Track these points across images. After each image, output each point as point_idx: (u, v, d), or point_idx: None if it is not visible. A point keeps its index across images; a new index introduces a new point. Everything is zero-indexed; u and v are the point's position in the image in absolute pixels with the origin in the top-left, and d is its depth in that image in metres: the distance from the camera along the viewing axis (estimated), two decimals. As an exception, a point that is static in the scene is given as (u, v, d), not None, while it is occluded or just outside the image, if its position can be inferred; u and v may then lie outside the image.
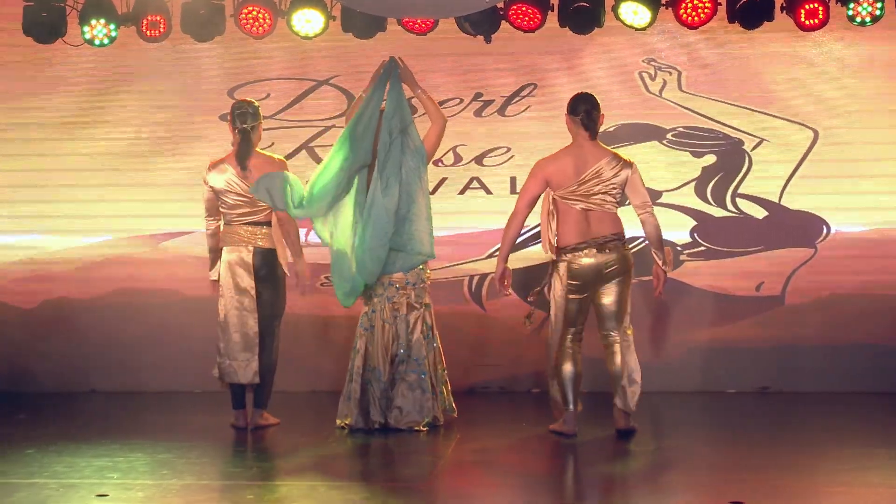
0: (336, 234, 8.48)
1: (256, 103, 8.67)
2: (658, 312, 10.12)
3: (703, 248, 10.21)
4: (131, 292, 10.25)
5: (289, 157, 10.44)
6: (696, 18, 9.74)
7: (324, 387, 9.75)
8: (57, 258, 10.60)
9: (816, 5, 9.65)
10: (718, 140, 10.26)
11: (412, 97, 8.68)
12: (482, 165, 10.42)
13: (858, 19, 9.71)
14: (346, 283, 8.43)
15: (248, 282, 8.48)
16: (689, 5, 9.69)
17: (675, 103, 10.29)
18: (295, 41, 10.08)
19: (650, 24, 9.81)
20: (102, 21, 9.95)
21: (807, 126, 10.22)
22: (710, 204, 10.25)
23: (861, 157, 10.21)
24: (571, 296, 8.18)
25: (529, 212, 8.36)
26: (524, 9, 9.78)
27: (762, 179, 10.27)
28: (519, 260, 9.89)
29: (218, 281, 8.61)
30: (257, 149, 8.64)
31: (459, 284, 10.32)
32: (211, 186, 8.59)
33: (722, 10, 9.77)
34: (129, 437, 8.37)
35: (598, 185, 8.15)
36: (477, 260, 10.40)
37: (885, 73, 10.22)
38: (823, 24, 9.74)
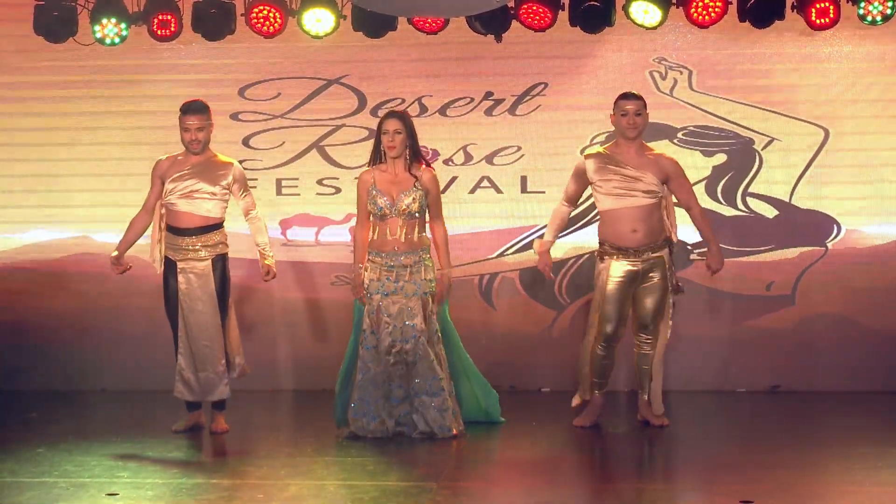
0: None
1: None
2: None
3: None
4: (141, 291, 10.24)
5: (299, 156, 10.48)
6: (706, 17, 9.74)
7: (331, 385, 9.71)
8: (68, 257, 10.61)
9: (827, 4, 9.64)
10: (729, 139, 10.24)
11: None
12: (492, 164, 10.41)
13: (869, 18, 9.70)
14: None
15: None
16: (700, 4, 9.69)
17: (686, 102, 10.28)
18: (305, 40, 10.10)
19: (661, 23, 9.81)
20: (113, 20, 9.98)
21: (817, 125, 10.20)
22: (720, 203, 10.24)
23: (872, 155, 10.19)
24: None
25: None
26: (535, 8, 9.78)
27: (773, 179, 10.25)
28: (528, 260, 9.92)
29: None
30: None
31: (469, 283, 10.31)
32: None
33: (733, 9, 9.77)
34: (140, 436, 8.38)
35: None
36: (487, 259, 10.39)
37: (895, 72, 10.20)
38: (834, 23, 9.73)
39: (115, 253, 8.62)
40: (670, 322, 8.66)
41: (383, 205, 8.28)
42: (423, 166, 8.41)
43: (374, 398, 8.26)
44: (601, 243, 8.52)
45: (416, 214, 8.33)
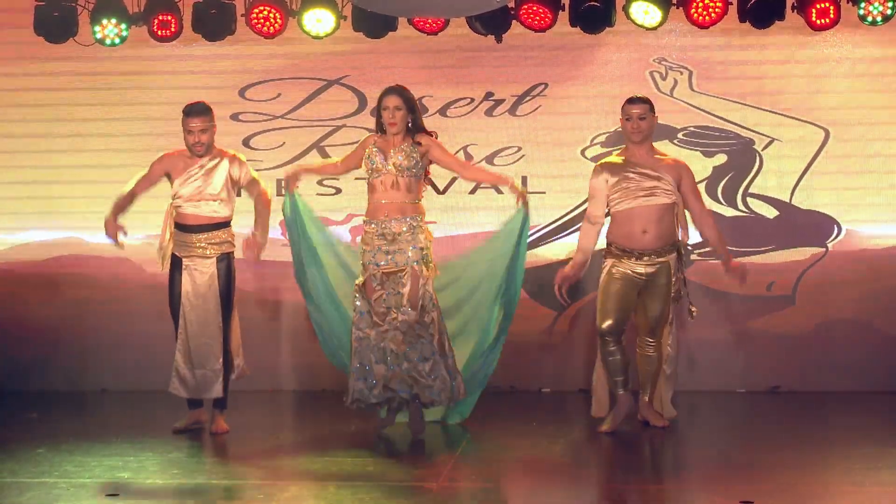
0: None
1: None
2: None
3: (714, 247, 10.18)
4: (142, 290, 10.25)
5: (300, 156, 10.48)
6: (707, 18, 9.75)
7: (332, 385, 9.70)
8: (69, 257, 10.61)
9: (827, 4, 9.65)
10: (729, 139, 10.24)
11: None
12: (493, 165, 10.40)
13: (869, 19, 9.70)
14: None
15: None
16: (700, 5, 9.70)
17: (686, 103, 10.28)
18: (306, 41, 10.10)
19: (661, 24, 9.82)
20: (114, 21, 9.99)
21: (818, 125, 10.20)
22: (720, 203, 10.23)
23: (872, 156, 10.20)
24: None
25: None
26: (535, 8, 9.78)
27: (773, 179, 10.25)
28: (528, 260, 9.92)
29: None
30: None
31: (470, 284, 10.29)
32: None
33: (733, 9, 9.78)
34: (140, 436, 8.38)
35: None
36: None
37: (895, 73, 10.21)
38: (835, 23, 9.74)
39: (109, 216, 8.48)
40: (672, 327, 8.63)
41: (377, 160, 8.26)
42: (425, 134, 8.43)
43: (371, 362, 8.24)
44: (608, 244, 8.42)
45: (408, 170, 8.20)
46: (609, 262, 8.38)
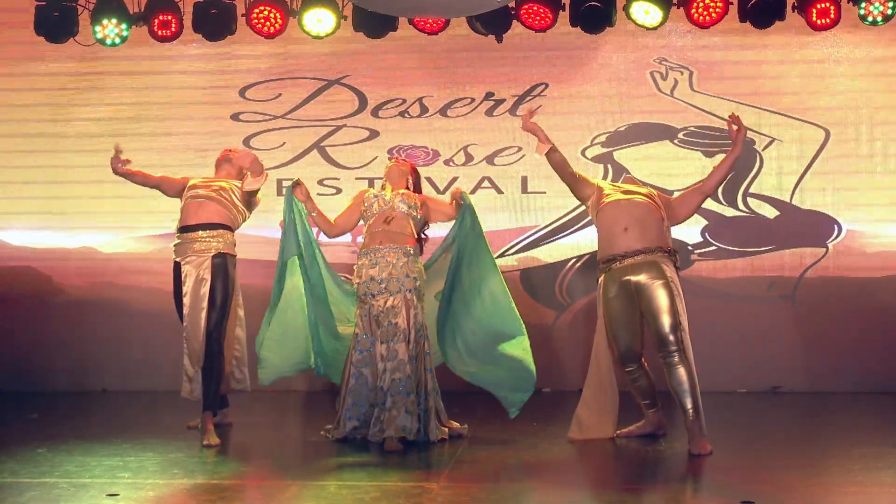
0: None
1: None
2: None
3: (714, 247, 10.19)
4: (142, 291, 10.26)
5: (300, 156, 10.48)
6: (707, 18, 9.76)
7: (332, 387, 9.70)
8: (69, 257, 10.62)
9: (828, 4, 9.66)
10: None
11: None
12: (493, 165, 10.42)
13: (870, 19, 9.71)
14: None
15: None
16: (701, 5, 9.71)
17: (687, 103, 10.28)
18: (306, 41, 10.11)
19: (661, 24, 9.83)
20: (114, 20, 10.00)
21: (818, 125, 10.21)
22: (721, 203, 10.24)
23: (873, 155, 10.20)
24: None
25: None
26: (535, 8, 9.79)
27: (774, 179, 10.26)
28: (528, 261, 9.91)
29: None
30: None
31: (470, 284, 10.29)
32: None
33: (733, 9, 9.79)
34: (140, 436, 8.37)
35: None
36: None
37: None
38: (835, 23, 9.75)
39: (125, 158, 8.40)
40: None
41: (377, 202, 8.24)
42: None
43: (367, 402, 8.16)
44: (598, 262, 8.08)
45: (405, 211, 8.21)
46: (601, 279, 7.99)
